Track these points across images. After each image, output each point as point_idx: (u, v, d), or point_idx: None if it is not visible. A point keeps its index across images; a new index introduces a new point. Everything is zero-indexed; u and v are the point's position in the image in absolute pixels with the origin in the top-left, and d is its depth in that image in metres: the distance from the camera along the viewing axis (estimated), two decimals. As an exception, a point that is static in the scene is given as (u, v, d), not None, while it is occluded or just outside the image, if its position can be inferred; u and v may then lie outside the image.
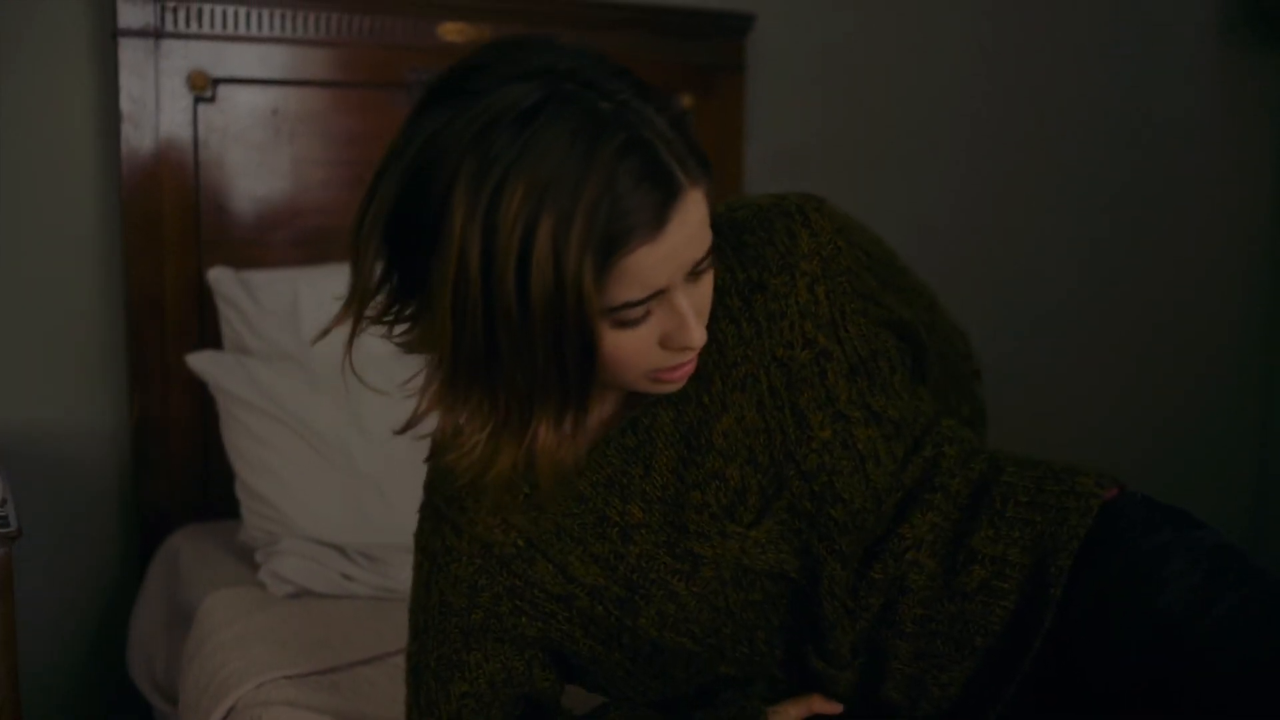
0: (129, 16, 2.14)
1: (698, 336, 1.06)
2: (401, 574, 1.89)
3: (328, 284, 2.17)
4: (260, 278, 2.17)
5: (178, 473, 2.25)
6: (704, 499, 1.19)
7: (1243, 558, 1.18)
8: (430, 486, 1.27)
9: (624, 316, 1.03)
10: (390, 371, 1.21)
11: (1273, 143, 3.25)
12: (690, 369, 1.12)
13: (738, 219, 1.23)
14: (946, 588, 1.22)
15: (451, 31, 2.39)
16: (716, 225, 1.17)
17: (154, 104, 2.17)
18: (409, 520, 1.91)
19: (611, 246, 0.98)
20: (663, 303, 1.05)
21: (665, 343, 1.07)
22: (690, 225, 1.02)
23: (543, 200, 0.97)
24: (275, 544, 1.92)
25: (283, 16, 2.26)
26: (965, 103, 2.93)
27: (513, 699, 1.23)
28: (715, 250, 1.14)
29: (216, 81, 2.22)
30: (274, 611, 1.82)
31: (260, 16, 2.24)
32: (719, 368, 1.20)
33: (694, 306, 1.07)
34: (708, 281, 1.09)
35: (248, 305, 2.12)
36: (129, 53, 2.15)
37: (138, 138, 2.17)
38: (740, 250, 1.21)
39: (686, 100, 2.51)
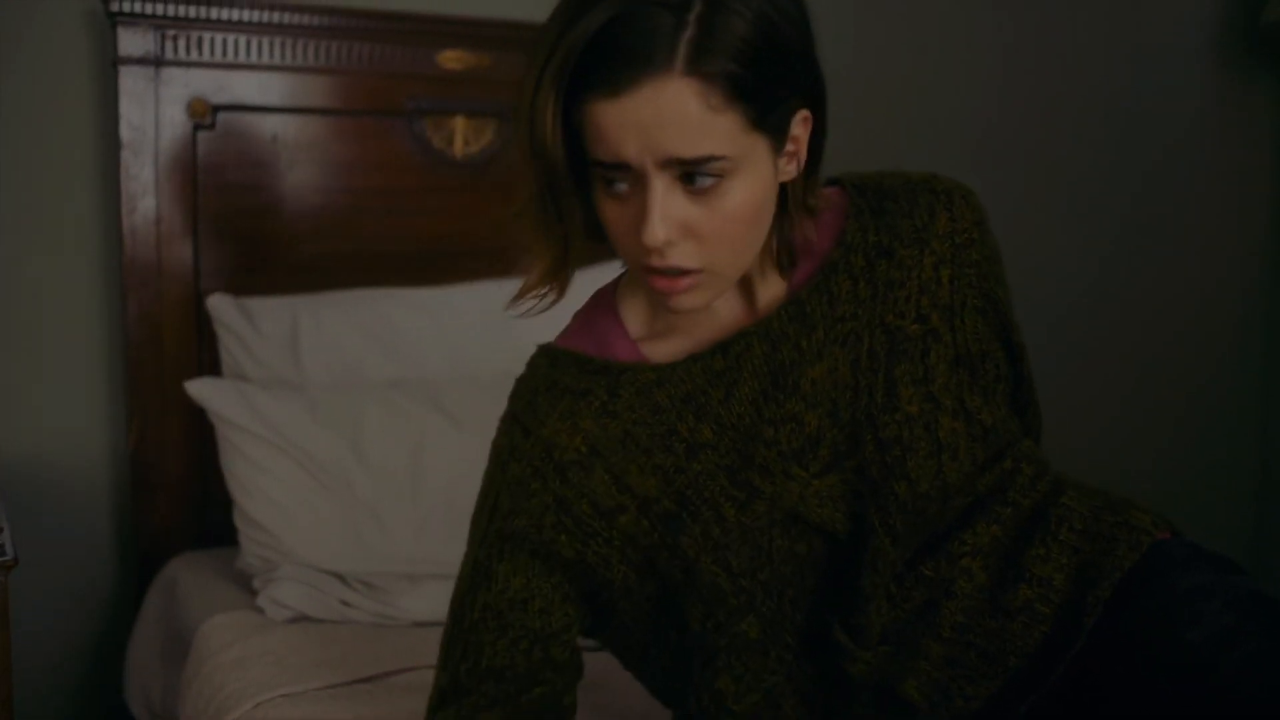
0: (130, 44, 2.14)
1: (649, 234, 1.07)
2: (400, 601, 1.89)
3: (327, 312, 2.18)
4: (260, 305, 2.17)
5: (176, 500, 2.24)
6: (776, 436, 1.19)
7: (1278, 605, 1.18)
8: (513, 395, 1.29)
9: (604, 176, 1.09)
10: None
11: (1271, 164, 3.27)
12: (680, 290, 1.12)
13: (884, 185, 1.26)
14: (991, 601, 1.22)
15: (451, 60, 2.40)
16: (863, 186, 1.25)
17: (154, 131, 2.18)
18: (407, 549, 1.93)
19: (576, 87, 1.05)
20: (644, 189, 1.08)
21: (638, 232, 1.09)
22: (664, 108, 1.04)
23: (555, 29, 1.05)
24: (274, 571, 1.91)
25: (283, 45, 2.26)
26: (964, 128, 2.94)
27: (531, 634, 1.21)
28: (855, 211, 1.22)
29: (216, 109, 2.23)
30: (272, 635, 1.81)
31: (260, 45, 2.25)
32: (825, 318, 1.21)
33: (676, 213, 1.08)
34: (716, 202, 1.09)
35: (247, 332, 2.12)
36: (129, 81, 2.16)
37: (137, 165, 2.17)
38: (879, 214, 1.23)
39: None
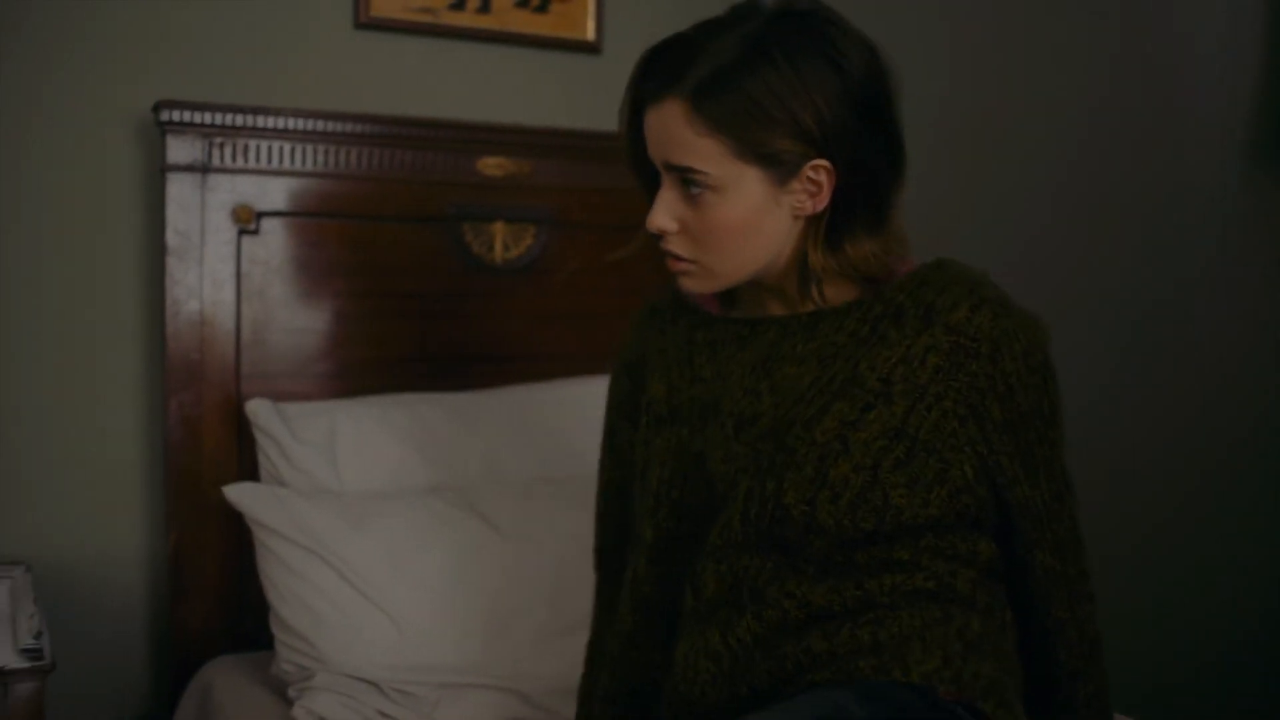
0: (178, 152, 2.18)
1: (649, 218, 1.36)
2: (439, 712, 1.86)
3: (367, 416, 2.18)
4: (298, 410, 2.17)
5: (212, 604, 2.23)
6: (738, 399, 1.38)
7: None
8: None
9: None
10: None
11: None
12: (677, 271, 1.39)
13: (956, 271, 1.37)
14: (767, 640, 1.31)
15: (490, 166, 2.43)
16: (942, 263, 1.38)
17: (199, 237, 2.21)
18: (446, 658, 1.91)
19: (643, 96, 1.36)
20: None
21: None
22: (666, 122, 1.31)
23: None
24: (309, 679, 1.89)
25: (326, 152, 2.30)
26: (1000, 229, 2.95)
27: (618, 519, 1.58)
28: (908, 275, 1.36)
29: (260, 215, 2.26)
30: (306, 748, 1.79)
31: (304, 151, 2.28)
32: (823, 337, 1.36)
33: (674, 208, 1.35)
34: (704, 210, 1.32)
35: (285, 438, 2.12)
36: (176, 187, 2.19)
37: (182, 270, 2.20)
38: (920, 285, 1.35)
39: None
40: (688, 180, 1.31)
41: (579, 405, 2.34)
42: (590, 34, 2.59)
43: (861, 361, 1.32)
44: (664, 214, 1.35)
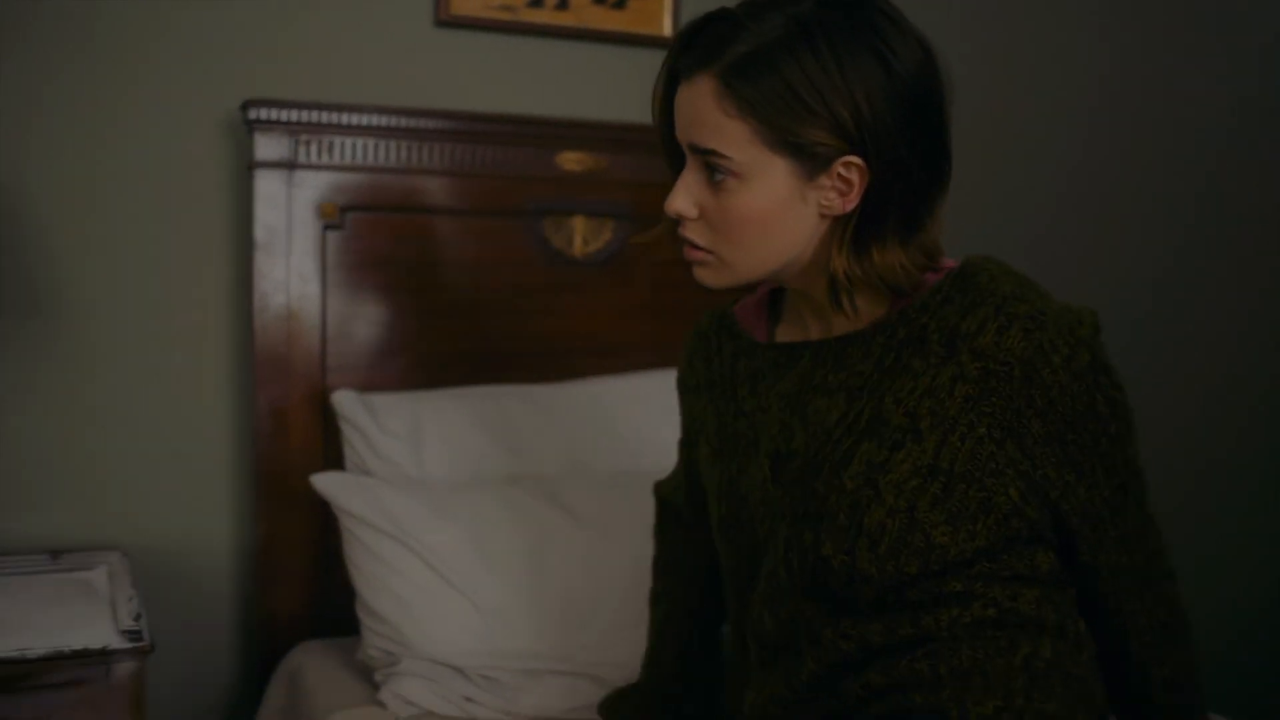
0: (266, 149, 2.23)
1: (669, 200, 1.30)
2: (521, 698, 1.89)
3: (450, 407, 2.22)
4: (383, 401, 2.22)
5: (298, 590, 2.29)
6: (775, 433, 1.36)
7: None
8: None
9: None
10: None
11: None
12: (692, 259, 1.32)
13: (981, 280, 1.27)
14: (828, 681, 1.29)
15: (570, 161, 2.46)
16: (968, 271, 1.29)
17: (286, 232, 2.26)
18: (529, 644, 1.93)
19: (666, 80, 1.32)
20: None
21: None
22: (696, 99, 1.25)
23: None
24: (395, 664, 1.93)
25: (408, 148, 2.34)
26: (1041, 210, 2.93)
27: (675, 508, 1.68)
28: (936, 288, 1.27)
29: (345, 210, 2.30)
30: (396, 732, 1.83)
31: (387, 148, 2.32)
32: (851, 367, 1.31)
33: (695, 193, 1.28)
34: (725, 197, 1.26)
35: (371, 428, 2.16)
36: (264, 183, 2.24)
37: (269, 265, 2.25)
38: (946, 302, 1.26)
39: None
40: (712, 165, 1.25)
41: (658, 398, 2.36)
42: (666, 29, 2.61)
43: (887, 395, 1.26)
44: (683, 198, 1.29)
